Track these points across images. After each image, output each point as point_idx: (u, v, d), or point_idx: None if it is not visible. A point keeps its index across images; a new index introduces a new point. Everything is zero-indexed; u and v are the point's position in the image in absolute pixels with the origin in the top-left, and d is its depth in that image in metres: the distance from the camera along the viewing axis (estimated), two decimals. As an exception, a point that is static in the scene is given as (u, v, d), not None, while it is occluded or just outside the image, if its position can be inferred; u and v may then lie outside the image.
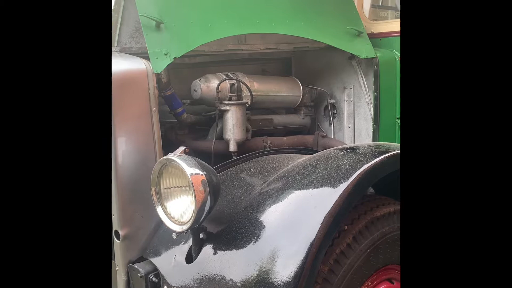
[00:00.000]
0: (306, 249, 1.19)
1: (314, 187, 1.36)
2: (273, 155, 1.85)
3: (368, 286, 1.46)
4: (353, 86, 2.25)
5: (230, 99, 1.90)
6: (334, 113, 2.38)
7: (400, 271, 1.59)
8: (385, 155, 1.39)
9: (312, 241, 1.19)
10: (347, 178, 1.29)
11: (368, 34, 2.18)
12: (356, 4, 2.41)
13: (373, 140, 2.18)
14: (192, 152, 1.38)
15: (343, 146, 1.54)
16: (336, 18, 2.05)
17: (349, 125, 2.33)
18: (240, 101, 1.91)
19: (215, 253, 1.35)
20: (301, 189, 1.38)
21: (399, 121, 2.17)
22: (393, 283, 1.55)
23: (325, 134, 2.31)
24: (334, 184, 1.30)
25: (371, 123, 2.17)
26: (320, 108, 2.43)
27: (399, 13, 2.78)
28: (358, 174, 1.30)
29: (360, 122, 2.29)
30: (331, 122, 2.37)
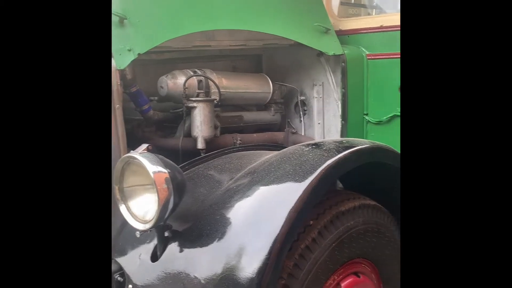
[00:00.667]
0: (270, 244, 1.19)
1: (279, 183, 1.36)
2: (242, 152, 1.85)
3: (334, 280, 1.47)
4: (322, 82, 2.27)
5: (197, 95, 1.89)
6: (304, 110, 2.40)
7: (366, 264, 1.63)
8: (349, 151, 1.41)
9: (276, 236, 1.20)
10: (311, 173, 1.31)
11: (336, 31, 2.21)
12: (324, 2, 2.43)
13: (342, 136, 2.21)
14: (156, 150, 1.36)
15: (309, 142, 1.56)
16: (303, 15, 2.06)
17: (319, 122, 2.35)
18: (208, 98, 1.90)
19: (180, 251, 1.34)
20: (266, 186, 1.38)
21: (367, 117, 2.21)
22: (359, 276, 1.57)
23: (295, 131, 2.33)
24: (299, 179, 1.31)
25: (340, 120, 2.20)
26: (290, 105, 2.45)
27: (367, 10, 2.83)
28: (322, 169, 1.32)
29: (329, 118, 2.31)
30: (301, 118, 2.39)
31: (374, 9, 3.16)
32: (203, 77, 1.93)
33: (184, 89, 1.83)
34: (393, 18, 2.12)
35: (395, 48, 2.07)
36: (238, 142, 2.05)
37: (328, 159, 1.36)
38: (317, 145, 1.49)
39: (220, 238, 1.29)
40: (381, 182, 1.84)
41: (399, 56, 2.05)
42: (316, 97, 2.32)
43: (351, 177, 1.87)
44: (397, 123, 2.10)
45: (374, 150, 1.53)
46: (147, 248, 1.41)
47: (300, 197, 1.25)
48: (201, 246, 1.31)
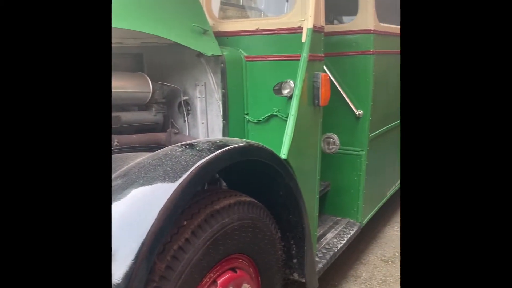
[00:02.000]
0: (138, 248, 1.17)
1: (150, 186, 1.34)
2: (118, 154, 1.78)
3: (210, 278, 1.50)
4: (204, 83, 2.29)
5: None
6: (188, 110, 2.39)
7: (243, 259, 1.69)
8: (221, 150, 1.45)
9: (144, 240, 1.18)
10: (182, 174, 1.31)
11: (215, 33, 2.24)
12: (204, 3, 2.45)
13: (224, 135, 2.25)
14: None
15: (183, 143, 1.56)
16: (181, 16, 2.05)
17: (203, 121, 2.37)
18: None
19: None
20: (137, 188, 1.35)
21: (247, 117, 2.28)
22: (236, 271, 1.62)
23: (177, 131, 2.31)
24: (169, 181, 1.31)
25: (221, 119, 2.24)
26: (174, 105, 2.42)
27: (247, 13, 2.92)
28: (193, 170, 1.33)
29: (212, 118, 2.34)
30: (185, 118, 2.38)
31: (262, 12, 3.29)
32: None
33: None
34: (269, 21, 2.22)
35: (270, 51, 2.17)
36: (115, 143, 1.97)
37: (200, 159, 1.38)
38: (190, 146, 1.51)
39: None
40: (263, 179, 1.93)
41: (275, 58, 2.17)
42: (199, 97, 2.33)
43: (236, 175, 1.94)
44: (274, 122, 2.21)
45: (246, 149, 1.59)
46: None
47: (169, 198, 1.25)
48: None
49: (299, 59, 2.04)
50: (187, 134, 2.39)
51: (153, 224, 1.20)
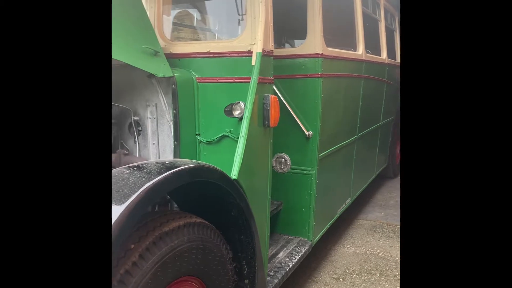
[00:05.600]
0: (81, 274, 1.14)
1: (96, 209, 1.32)
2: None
3: (159, 301, 1.48)
4: (155, 103, 2.28)
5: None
6: (139, 130, 2.37)
7: (193, 281, 1.67)
8: (169, 172, 1.45)
9: (88, 265, 1.15)
10: (128, 197, 1.30)
11: (167, 54, 2.25)
12: (156, 25, 2.47)
13: (175, 156, 2.24)
14: None
15: (132, 164, 1.55)
16: (132, 37, 2.05)
17: (154, 142, 2.35)
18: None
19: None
20: (83, 212, 1.32)
21: (199, 137, 2.29)
22: (186, 294, 1.61)
23: (127, 152, 2.28)
24: (115, 204, 1.29)
25: (173, 140, 2.24)
26: (124, 126, 2.39)
27: (199, 34, 2.97)
28: (140, 192, 1.32)
29: (164, 138, 2.33)
30: (136, 139, 2.36)
31: (216, 34, 3.34)
32: None
33: None
34: (220, 45, 2.27)
35: (221, 73, 2.21)
36: (61, 166, 1.91)
37: (148, 181, 1.38)
38: (138, 168, 1.50)
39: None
40: (214, 200, 1.93)
41: (226, 80, 2.21)
42: (150, 118, 2.32)
43: (188, 196, 1.94)
44: (226, 142, 2.24)
45: (195, 170, 1.60)
46: None
47: (116, 221, 1.23)
48: None
49: (249, 81, 2.10)
50: (137, 155, 2.36)
51: (98, 249, 1.17)
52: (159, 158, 2.35)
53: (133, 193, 1.31)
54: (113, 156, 2.23)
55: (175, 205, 2.15)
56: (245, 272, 2.07)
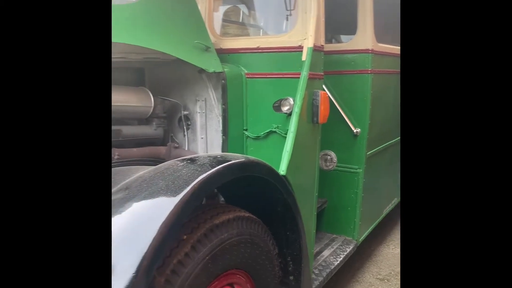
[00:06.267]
0: (138, 262, 1.17)
1: (152, 199, 1.35)
2: (118, 168, 1.80)
3: (208, 292, 1.50)
4: (205, 98, 2.32)
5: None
6: (188, 124, 2.42)
7: (241, 275, 1.69)
8: (221, 166, 1.47)
9: (145, 253, 1.18)
10: (183, 189, 1.32)
11: (217, 50, 2.28)
12: (207, 20, 2.50)
13: (223, 150, 2.27)
14: None
15: (184, 157, 1.57)
16: (184, 32, 2.09)
17: (202, 136, 2.39)
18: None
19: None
20: (139, 202, 1.36)
21: (246, 133, 2.31)
22: (233, 287, 1.62)
23: (177, 145, 2.33)
24: (171, 195, 1.32)
25: (221, 134, 2.27)
26: (174, 119, 2.44)
27: (247, 30, 2.97)
28: (194, 184, 1.34)
29: (212, 133, 2.37)
30: (185, 133, 2.41)
31: (261, 30, 3.34)
32: None
33: None
34: (270, 40, 2.27)
35: (270, 68, 2.21)
36: (116, 157, 1.98)
37: (201, 174, 1.40)
38: (191, 160, 1.52)
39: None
40: (261, 195, 1.94)
41: (275, 76, 2.20)
42: (199, 112, 2.36)
43: (234, 190, 1.95)
44: (273, 138, 2.24)
45: (246, 165, 1.61)
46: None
47: (171, 212, 1.26)
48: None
49: (299, 77, 2.08)
50: (186, 149, 2.41)
51: (154, 238, 1.21)
52: (207, 152, 2.38)
53: (188, 185, 1.34)
54: (164, 148, 2.29)
55: (222, 198, 2.17)
56: (290, 269, 2.07)
